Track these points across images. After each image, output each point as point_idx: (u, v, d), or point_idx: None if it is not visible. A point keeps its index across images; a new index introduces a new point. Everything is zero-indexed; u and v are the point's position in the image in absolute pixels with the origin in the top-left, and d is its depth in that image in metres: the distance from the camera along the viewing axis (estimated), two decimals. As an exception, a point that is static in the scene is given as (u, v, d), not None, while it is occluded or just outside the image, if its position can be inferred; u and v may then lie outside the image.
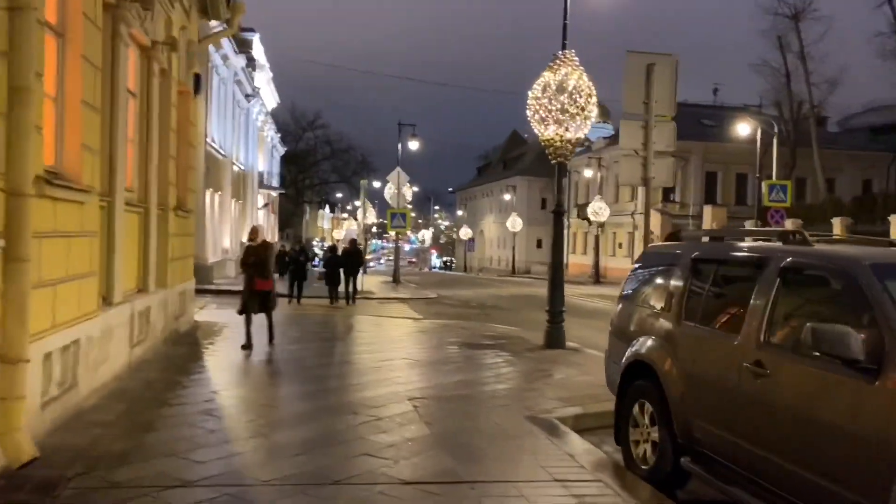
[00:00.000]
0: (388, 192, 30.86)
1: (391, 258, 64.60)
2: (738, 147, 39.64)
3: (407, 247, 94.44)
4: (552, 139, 11.79)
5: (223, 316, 14.32)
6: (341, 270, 20.95)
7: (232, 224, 31.85)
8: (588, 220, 44.69)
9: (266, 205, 44.32)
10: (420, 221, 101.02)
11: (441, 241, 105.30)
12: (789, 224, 26.04)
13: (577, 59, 11.82)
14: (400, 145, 34.50)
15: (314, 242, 69.77)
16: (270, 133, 47.71)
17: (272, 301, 11.05)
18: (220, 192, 28.64)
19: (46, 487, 4.46)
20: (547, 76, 11.74)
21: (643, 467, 5.64)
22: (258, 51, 37.68)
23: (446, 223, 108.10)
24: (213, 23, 14.83)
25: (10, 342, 4.58)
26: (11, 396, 4.62)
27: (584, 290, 31.70)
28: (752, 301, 4.71)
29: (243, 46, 33.23)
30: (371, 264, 43.39)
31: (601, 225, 44.96)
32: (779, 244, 4.99)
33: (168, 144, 10.65)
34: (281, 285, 19.77)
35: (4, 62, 4.58)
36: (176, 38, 10.63)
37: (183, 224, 12.08)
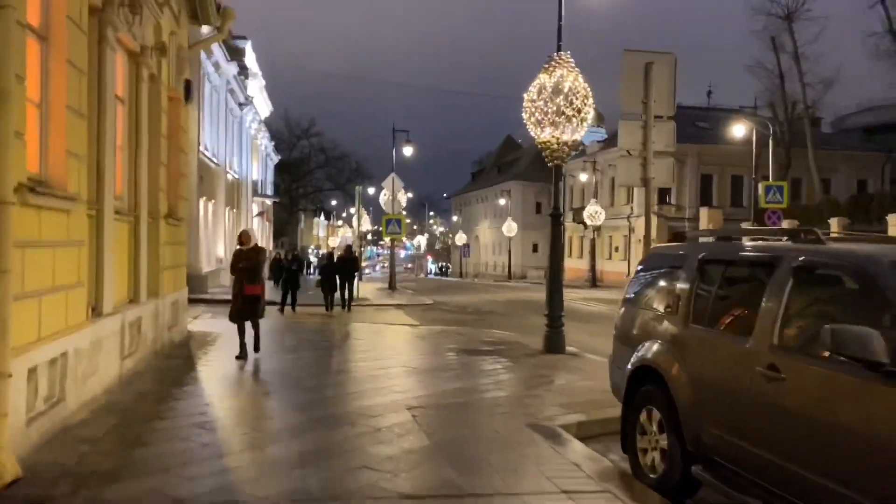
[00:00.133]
0: (383, 198, 30.69)
1: (386, 265, 64.48)
2: (733, 149, 39.58)
3: (402, 253, 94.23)
4: (548, 142, 11.65)
5: (217, 325, 14.11)
6: (337, 277, 20.77)
7: (226, 233, 31.60)
8: (584, 223, 44.58)
9: (261, 213, 44.09)
10: (415, 227, 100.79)
11: (436, 247, 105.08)
12: (786, 225, 25.95)
13: (572, 60, 11.69)
14: (394, 151, 34.33)
15: (310, 250, 69.54)
16: (264, 141, 47.50)
17: (261, 308, 10.75)
18: (213, 201, 28.42)
19: (30, 508, 4.26)
20: (542, 78, 11.60)
21: (651, 476, 5.46)
22: (250, 59, 37.49)
23: (441, 229, 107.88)
24: (204, 29, 14.68)
25: (-11, 357, 4.38)
26: (-7, 413, 4.41)
27: (581, 294, 31.57)
28: (763, 302, 4.54)
29: (235, 54, 33.03)
30: (367, 271, 43.16)
31: (597, 229, 44.86)
32: (790, 243, 4.82)
33: (158, 151, 10.45)
34: (274, 293, 19.60)
35: (-19, 64, 4.39)
36: (165, 43, 10.45)
37: (175, 232, 11.87)
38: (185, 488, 4.90)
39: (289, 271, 20.02)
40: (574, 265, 51.49)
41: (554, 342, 11.82)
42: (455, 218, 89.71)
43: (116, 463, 5.39)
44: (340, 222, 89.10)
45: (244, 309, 10.48)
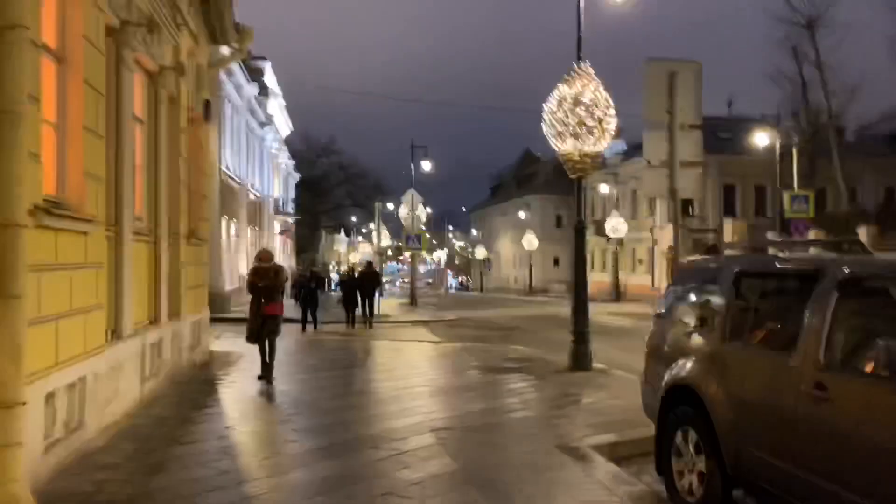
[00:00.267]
0: (403, 213, 30.63)
1: (406, 280, 64.29)
2: (755, 159, 39.07)
3: (422, 268, 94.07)
4: (570, 154, 11.46)
5: (239, 345, 13.96)
6: (358, 293, 20.64)
7: (248, 252, 31.69)
8: (606, 236, 44.15)
9: (283, 231, 44.25)
10: (435, 242, 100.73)
11: (456, 262, 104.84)
12: (813, 234, 25.47)
13: (592, 70, 11.52)
14: (413, 167, 34.31)
15: (331, 266, 69.64)
16: (284, 160, 47.78)
17: (278, 327, 10.39)
18: (235, 220, 28.53)
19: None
20: (562, 89, 11.43)
21: (689, 500, 5.20)
22: (270, 78, 37.79)
23: (461, 244, 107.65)
24: (224, 49, 14.72)
25: (3, 385, 4.25)
26: (7, 444, 4.27)
27: (605, 308, 31.15)
28: (806, 318, 4.30)
29: (255, 74, 33.32)
30: (387, 287, 43.01)
31: (620, 241, 44.42)
32: (832, 254, 4.58)
33: (178, 172, 10.40)
34: (295, 311, 19.48)
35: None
36: (184, 63, 10.43)
37: (196, 253, 11.81)
38: (205, 518, 4.74)
39: (307, 289, 19.70)
40: (597, 278, 50.94)
41: (580, 359, 11.55)
42: (475, 232, 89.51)
43: (135, 491, 5.25)
44: (360, 238, 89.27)
45: (262, 329, 10.17)
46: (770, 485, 4.46)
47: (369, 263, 24.01)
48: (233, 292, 26.38)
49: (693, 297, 5.86)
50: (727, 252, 5.97)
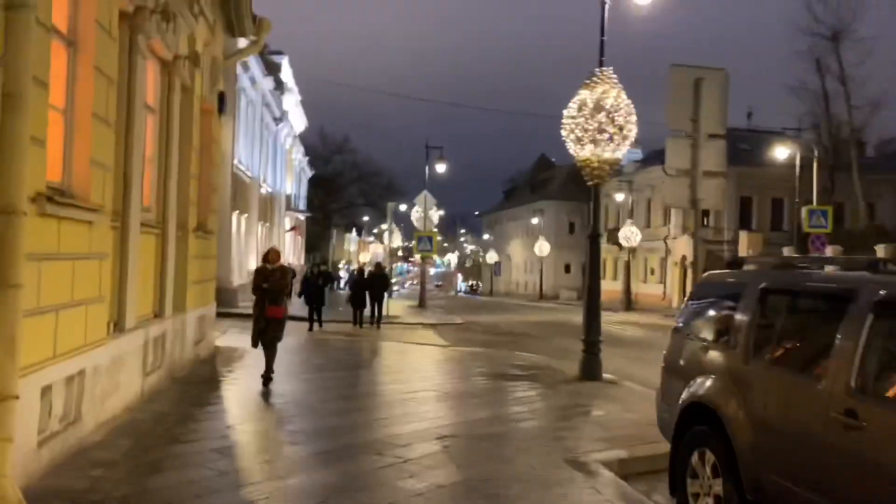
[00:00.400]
0: (415, 214, 30.48)
1: (415, 282, 64.06)
2: (773, 171, 38.64)
3: (432, 270, 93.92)
4: (588, 160, 11.24)
5: (245, 341, 13.78)
6: (367, 294, 20.49)
7: (258, 247, 31.59)
8: (619, 245, 43.82)
9: (293, 228, 44.15)
10: (446, 245, 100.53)
11: (466, 265, 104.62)
12: (830, 250, 25.08)
13: (615, 76, 11.30)
14: (427, 168, 34.14)
15: (340, 265, 69.54)
16: (298, 156, 47.71)
17: (281, 331, 9.97)
18: (246, 215, 28.43)
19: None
20: (583, 94, 11.22)
21: (703, 524, 4.98)
22: (287, 74, 37.69)
23: (472, 247, 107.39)
24: (241, 42, 14.58)
25: (-6, 377, 4.08)
26: (-4, 438, 4.11)
27: (615, 318, 30.88)
28: (837, 340, 4.07)
29: (272, 69, 33.22)
30: (395, 288, 42.75)
31: (632, 250, 44.07)
32: (866, 273, 4.34)
33: (189, 163, 10.25)
34: (302, 310, 19.33)
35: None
36: (199, 53, 10.29)
37: (204, 246, 11.66)
38: (199, 523, 4.56)
39: (315, 286, 19.54)
40: (608, 287, 50.48)
41: (590, 368, 11.32)
42: (486, 236, 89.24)
43: (128, 491, 5.07)
44: (371, 238, 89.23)
45: (265, 333, 9.80)
46: (792, 514, 4.23)
47: (378, 264, 23.85)
48: (241, 287, 26.27)
49: (714, 313, 5.63)
50: (748, 266, 5.74)
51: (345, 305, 21.94)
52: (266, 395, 9.20)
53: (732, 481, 4.69)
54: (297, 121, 43.54)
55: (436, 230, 32.15)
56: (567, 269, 63.90)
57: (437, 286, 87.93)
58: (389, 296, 24.64)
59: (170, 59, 9.00)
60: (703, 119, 8.24)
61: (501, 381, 11.17)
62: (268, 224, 34.70)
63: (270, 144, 35.06)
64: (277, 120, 35.56)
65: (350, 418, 7.94)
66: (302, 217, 48.61)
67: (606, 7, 12.05)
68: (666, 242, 45.71)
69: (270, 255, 10.07)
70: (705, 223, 42.63)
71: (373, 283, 20.79)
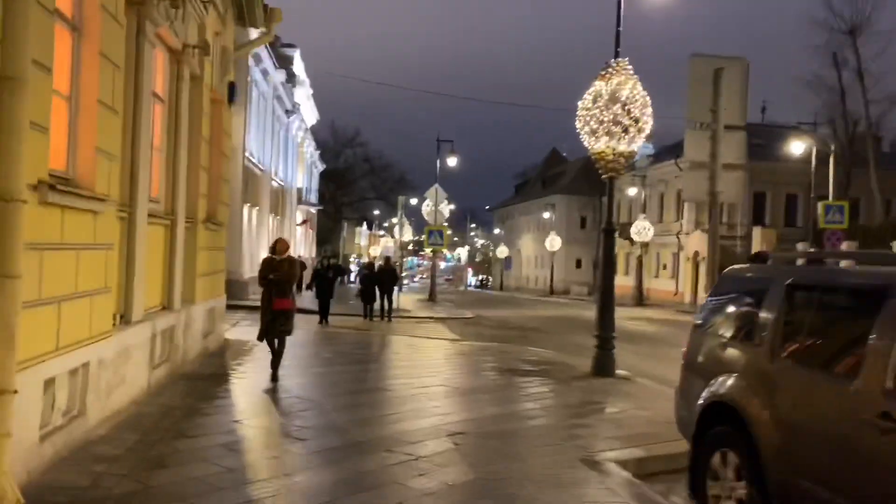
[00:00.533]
0: (426, 208, 30.33)
1: (426, 276, 63.88)
2: (788, 166, 38.22)
3: (442, 264, 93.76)
4: (603, 152, 11.03)
5: (254, 334, 13.71)
6: (377, 288, 20.39)
7: (269, 239, 31.52)
8: (631, 240, 43.50)
9: (304, 221, 44.08)
10: (456, 239, 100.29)
11: (477, 260, 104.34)
12: (846, 246, 24.72)
13: (630, 67, 11.08)
14: (438, 162, 33.93)
15: (352, 259, 69.52)
16: (310, 149, 47.62)
17: (290, 324, 9.72)
18: (257, 207, 28.35)
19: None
20: (598, 85, 11.00)
21: (725, 528, 4.79)
22: (298, 66, 37.57)
23: (482, 241, 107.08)
24: (251, 33, 14.44)
25: (-9, 371, 3.95)
26: (-7, 434, 3.97)
27: (627, 313, 30.59)
28: (871, 339, 3.87)
29: (284, 62, 33.11)
30: (405, 282, 42.53)
31: (645, 245, 43.74)
32: (901, 269, 4.14)
33: (198, 154, 10.11)
34: (313, 303, 19.23)
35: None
36: (209, 42, 10.13)
37: (214, 237, 11.54)
38: (203, 522, 4.42)
39: (324, 279, 19.44)
40: (620, 282, 50.02)
41: (604, 365, 11.12)
42: (497, 230, 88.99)
43: (131, 488, 4.93)
44: (382, 232, 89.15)
45: (272, 326, 9.59)
46: (820, 520, 4.04)
47: (387, 259, 23.73)
48: (251, 279, 26.20)
49: (737, 310, 5.43)
50: (772, 261, 5.53)
51: (355, 299, 21.85)
52: (274, 389, 9.06)
53: (756, 485, 4.50)
54: (309, 114, 43.44)
55: (446, 224, 31.97)
56: (578, 264, 63.59)
57: (448, 280, 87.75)
58: (399, 290, 24.50)
59: (179, 47, 8.85)
60: (723, 110, 8.01)
61: (512, 376, 11.00)
62: (279, 217, 34.62)
63: (282, 137, 34.96)
64: (289, 113, 35.46)
65: (359, 414, 7.80)
66: (313, 210, 48.55)
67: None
68: (678, 237, 45.33)
69: (278, 246, 9.82)
70: (719, 219, 42.25)
71: (382, 278, 20.71)
